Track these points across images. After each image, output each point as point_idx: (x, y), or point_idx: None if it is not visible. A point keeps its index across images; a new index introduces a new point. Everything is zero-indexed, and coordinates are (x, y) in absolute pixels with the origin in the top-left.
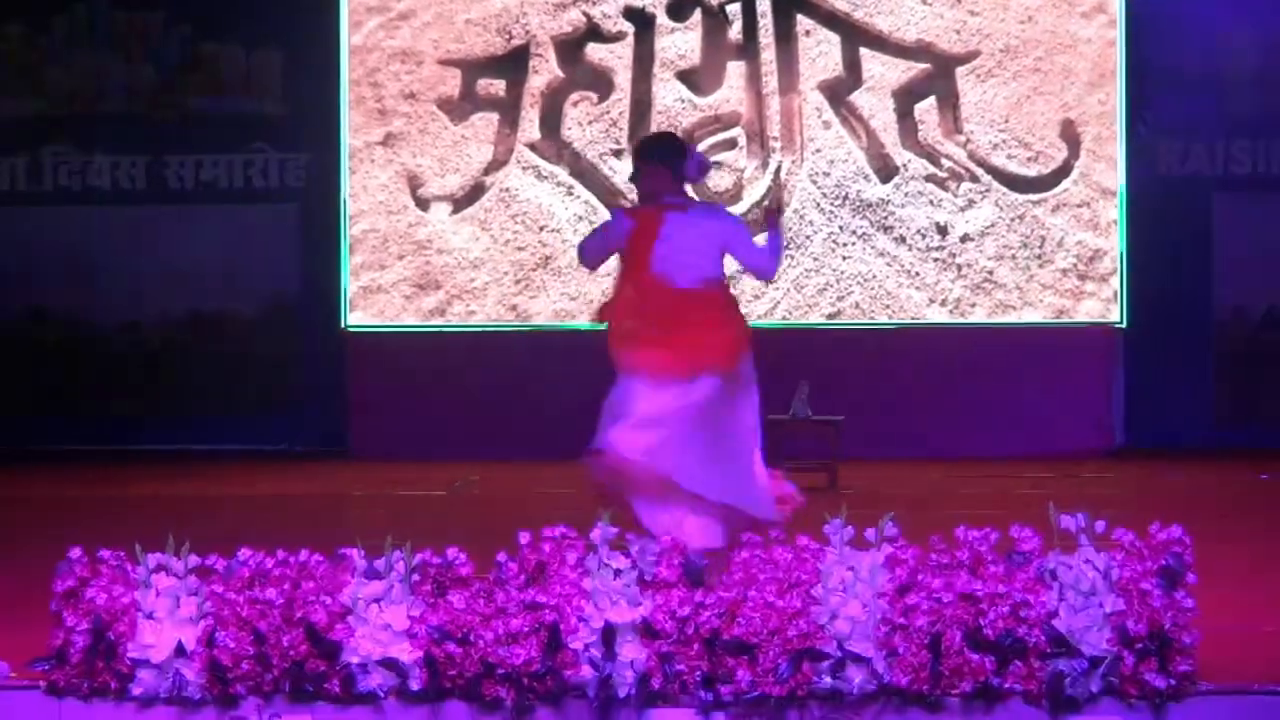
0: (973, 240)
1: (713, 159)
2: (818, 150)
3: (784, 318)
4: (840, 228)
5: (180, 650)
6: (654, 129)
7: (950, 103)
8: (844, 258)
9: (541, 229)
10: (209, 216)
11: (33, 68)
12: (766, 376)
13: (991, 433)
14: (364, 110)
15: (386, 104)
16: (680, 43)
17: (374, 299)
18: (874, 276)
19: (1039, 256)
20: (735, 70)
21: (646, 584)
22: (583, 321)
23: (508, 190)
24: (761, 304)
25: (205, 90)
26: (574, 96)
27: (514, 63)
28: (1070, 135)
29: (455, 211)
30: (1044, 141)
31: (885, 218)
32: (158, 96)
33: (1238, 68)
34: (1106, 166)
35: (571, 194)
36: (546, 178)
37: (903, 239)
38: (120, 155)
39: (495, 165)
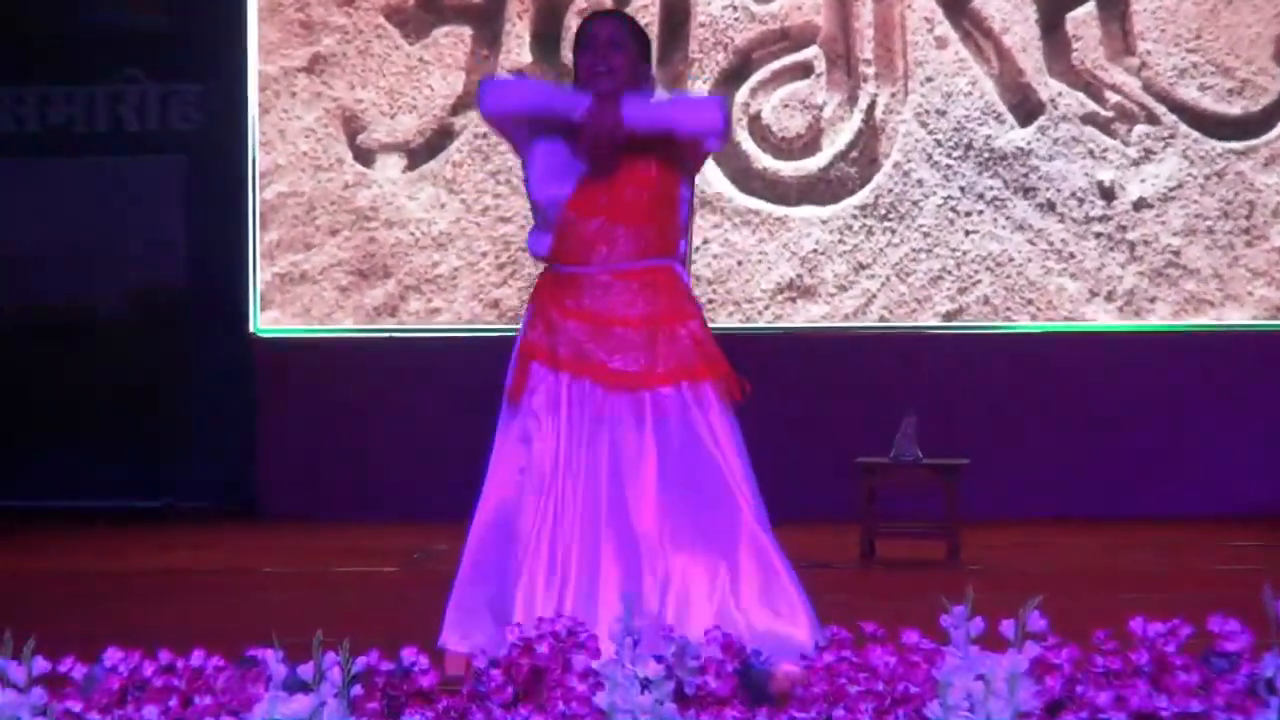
0: (1151, 207)
1: (781, 89)
2: (928, 79)
3: (882, 318)
4: (961, 190)
5: None
6: (694, 47)
7: (1118, 10)
8: (966, 232)
9: None
10: (57, 173)
11: None
12: (856, 402)
13: (1175, 482)
14: (280, 22)
15: (313, 13)
16: None
17: (295, 292)
18: (1010, 259)
19: (1246, 231)
20: None
21: (688, 700)
22: None
23: (484, 137)
24: (850, 298)
25: None
26: (580, 2)
27: None
28: None
29: (411, 167)
30: (1252, 66)
31: (1025, 175)
32: None
33: None
34: None
35: None
36: None
37: (1050, 205)
38: None
39: (467, 102)
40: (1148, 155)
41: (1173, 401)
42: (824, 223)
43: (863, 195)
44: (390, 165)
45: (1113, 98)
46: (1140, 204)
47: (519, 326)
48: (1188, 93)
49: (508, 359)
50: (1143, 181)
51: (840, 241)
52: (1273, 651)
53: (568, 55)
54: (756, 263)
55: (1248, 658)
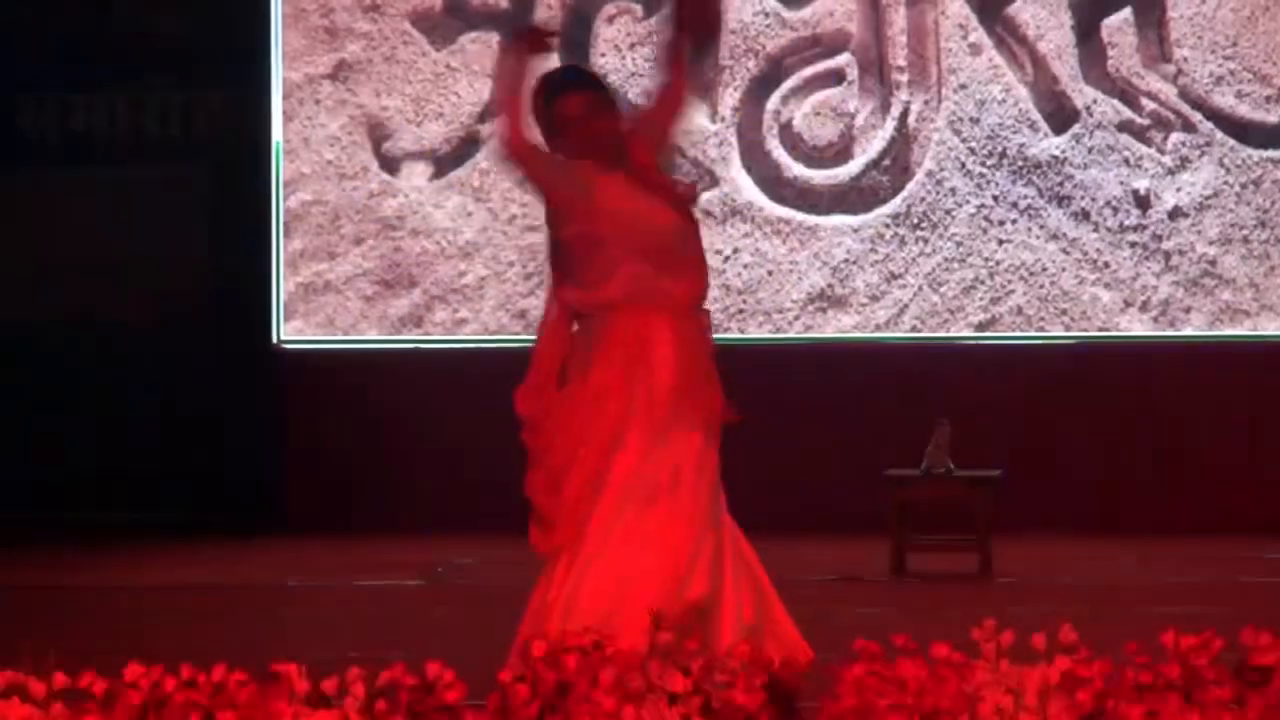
0: (1187, 216)
1: (813, 96)
2: (962, 87)
3: (914, 329)
4: (995, 199)
5: None
6: (725, 54)
7: (1154, 17)
8: (1000, 241)
9: None
10: (77, 182)
11: None
12: (887, 413)
13: (1209, 495)
14: (305, 29)
15: (337, 19)
16: None
17: (320, 302)
18: (1044, 269)
19: None
20: None
21: (715, 715)
22: None
23: None
24: (882, 308)
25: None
26: (609, 9)
27: None
28: None
29: (437, 175)
30: None
31: (1060, 184)
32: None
33: None
34: None
35: None
36: None
37: (1085, 214)
38: None
39: (494, 110)
40: (1184, 164)
41: (1207, 413)
42: (855, 231)
43: (894, 204)
44: (416, 173)
45: (1148, 105)
46: (1175, 213)
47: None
48: (1224, 100)
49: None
50: (1178, 190)
51: (872, 251)
52: None
53: (598, 60)
54: (787, 272)
55: None
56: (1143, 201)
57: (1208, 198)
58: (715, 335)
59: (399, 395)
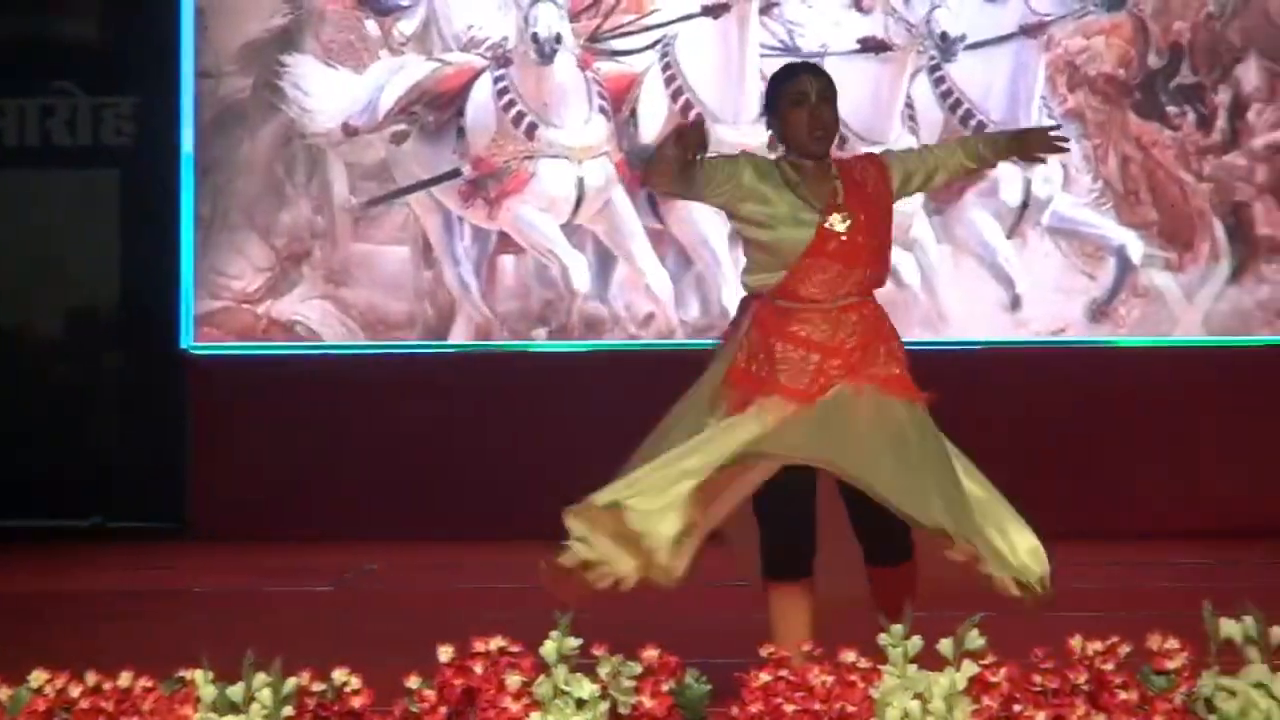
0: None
1: None
2: None
3: None
4: None
5: None
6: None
7: None
8: None
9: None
10: None
11: None
12: None
13: (1115, 499)
14: (216, 34)
15: (250, 25)
16: None
17: (228, 309)
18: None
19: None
20: None
21: (621, 719)
22: (537, 339)
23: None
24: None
25: None
26: None
27: None
28: None
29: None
30: None
31: None
32: None
33: None
34: None
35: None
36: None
37: None
38: None
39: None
40: None
41: (1114, 417)
42: None
43: None
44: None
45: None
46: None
47: (457, 346)
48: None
49: (438, 376)
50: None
51: None
52: (1212, 670)
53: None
54: None
55: (1186, 676)
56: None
57: None
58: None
59: (308, 401)
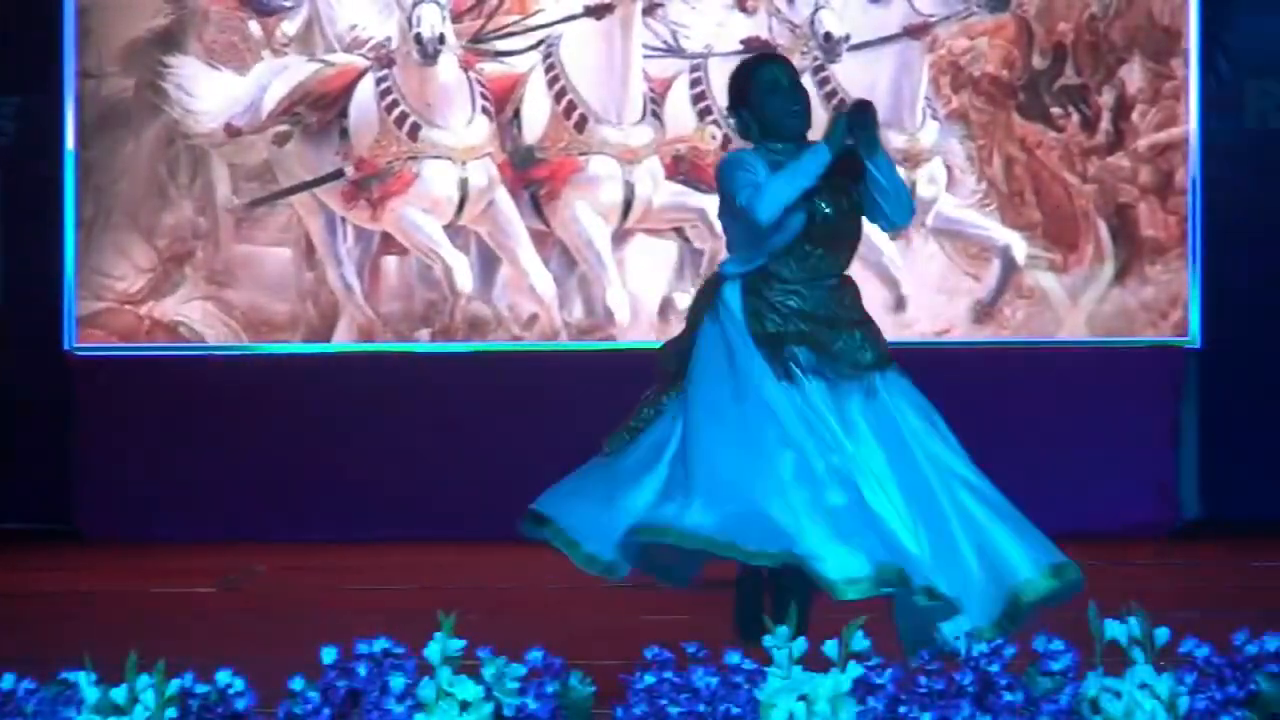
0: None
1: None
2: None
3: None
4: None
5: None
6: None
7: None
8: None
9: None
10: None
11: None
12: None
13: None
14: (100, 33)
15: (136, 23)
16: None
17: (113, 310)
18: None
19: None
20: None
21: None
22: (421, 340)
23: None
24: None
25: None
26: None
27: None
28: None
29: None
30: None
31: None
32: None
33: None
34: None
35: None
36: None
37: None
38: None
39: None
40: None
41: (1000, 416)
42: None
43: None
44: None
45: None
46: None
47: (339, 348)
48: None
49: (322, 377)
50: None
51: None
52: (1096, 671)
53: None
54: None
55: (1072, 677)
56: None
57: None
58: None
59: (192, 403)
